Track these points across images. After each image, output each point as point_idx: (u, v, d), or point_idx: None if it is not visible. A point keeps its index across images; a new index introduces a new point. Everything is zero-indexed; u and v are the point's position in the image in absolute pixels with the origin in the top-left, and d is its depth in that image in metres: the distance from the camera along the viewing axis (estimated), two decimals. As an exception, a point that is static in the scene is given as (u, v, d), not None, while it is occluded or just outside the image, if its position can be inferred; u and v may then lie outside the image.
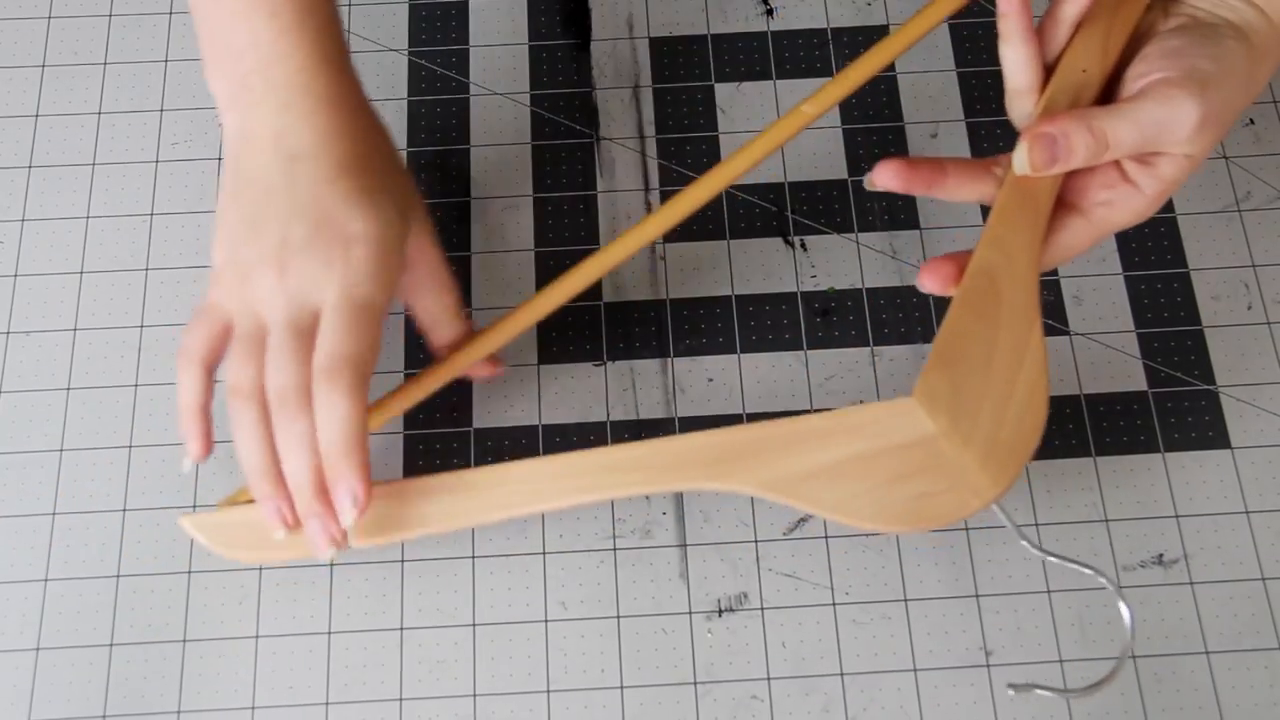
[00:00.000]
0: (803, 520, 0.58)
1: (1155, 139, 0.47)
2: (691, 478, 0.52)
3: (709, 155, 0.65)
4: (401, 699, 0.55)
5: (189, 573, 0.57)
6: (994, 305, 0.50)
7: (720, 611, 0.57)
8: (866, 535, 0.58)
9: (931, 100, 0.67)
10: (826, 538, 0.58)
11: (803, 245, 0.64)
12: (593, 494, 0.53)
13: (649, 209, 0.64)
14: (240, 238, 0.52)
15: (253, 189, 0.52)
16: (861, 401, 0.60)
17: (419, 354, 0.60)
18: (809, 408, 0.60)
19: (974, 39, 0.68)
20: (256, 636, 0.56)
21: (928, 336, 0.61)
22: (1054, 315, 0.62)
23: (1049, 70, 0.51)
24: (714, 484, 0.51)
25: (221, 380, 0.51)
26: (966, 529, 0.58)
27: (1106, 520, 0.58)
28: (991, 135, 0.66)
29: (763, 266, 0.63)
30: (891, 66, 0.67)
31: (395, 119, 0.66)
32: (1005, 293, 0.50)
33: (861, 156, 0.65)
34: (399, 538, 0.54)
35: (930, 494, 0.49)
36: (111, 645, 0.56)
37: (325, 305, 0.50)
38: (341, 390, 0.49)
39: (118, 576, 0.57)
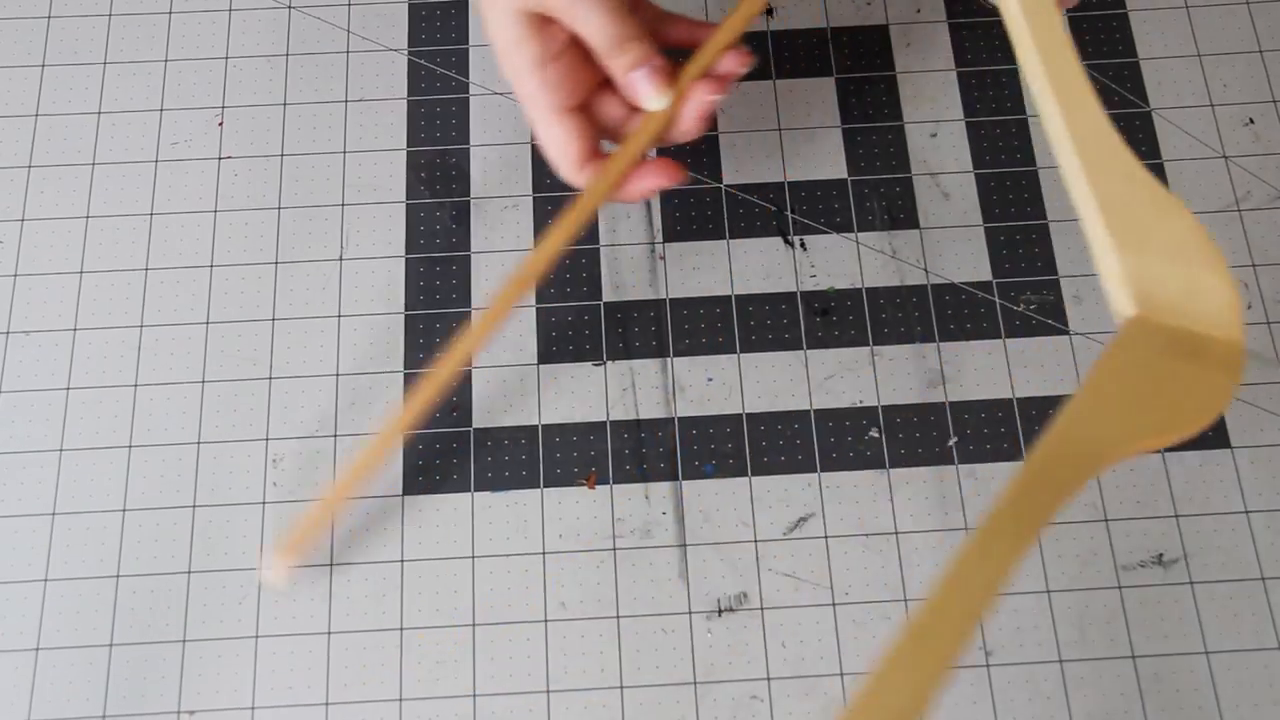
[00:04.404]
0: (802, 520, 0.58)
1: None
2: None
3: (708, 155, 0.65)
4: (401, 699, 0.55)
5: (189, 573, 0.57)
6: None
7: (720, 611, 0.57)
8: (866, 535, 0.58)
9: (931, 100, 0.67)
10: (826, 538, 0.58)
11: (802, 245, 0.64)
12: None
13: (648, 208, 0.64)
14: None
15: None
16: (860, 402, 0.60)
17: (418, 354, 0.61)
18: (808, 407, 0.60)
19: (974, 39, 0.68)
20: (256, 636, 0.56)
21: (927, 336, 0.61)
22: (1054, 315, 0.62)
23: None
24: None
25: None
26: (965, 530, 0.58)
27: (1106, 520, 0.58)
28: (991, 135, 0.66)
29: (762, 266, 0.63)
30: (891, 66, 0.67)
31: (395, 119, 0.66)
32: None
33: (861, 156, 0.65)
34: None
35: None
36: (111, 645, 0.56)
37: None
38: None
39: (118, 576, 0.57)
